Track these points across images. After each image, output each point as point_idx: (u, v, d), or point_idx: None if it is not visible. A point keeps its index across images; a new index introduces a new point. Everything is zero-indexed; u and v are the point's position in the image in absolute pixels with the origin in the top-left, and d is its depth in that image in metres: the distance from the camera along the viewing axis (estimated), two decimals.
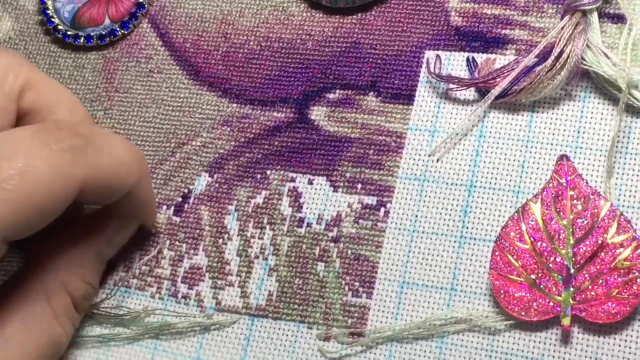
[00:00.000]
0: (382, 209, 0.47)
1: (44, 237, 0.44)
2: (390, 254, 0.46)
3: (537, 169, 0.46)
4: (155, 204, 0.49)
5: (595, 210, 0.44)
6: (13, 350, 0.41)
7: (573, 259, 0.43)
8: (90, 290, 0.45)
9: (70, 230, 0.46)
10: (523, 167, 0.46)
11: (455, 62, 0.49)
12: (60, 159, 0.40)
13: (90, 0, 0.54)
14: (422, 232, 0.46)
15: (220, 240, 0.48)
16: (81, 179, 0.40)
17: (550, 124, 0.47)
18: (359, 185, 0.48)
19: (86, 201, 0.44)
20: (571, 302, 0.43)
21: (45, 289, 0.43)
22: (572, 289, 0.43)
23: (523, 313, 0.43)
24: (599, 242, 0.43)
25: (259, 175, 0.49)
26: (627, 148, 0.45)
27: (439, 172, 0.47)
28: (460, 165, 0.47)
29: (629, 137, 0.45)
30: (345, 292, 0.46)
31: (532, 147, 0.46)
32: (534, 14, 0.49)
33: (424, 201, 0.47)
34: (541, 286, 0.43)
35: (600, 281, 0.43)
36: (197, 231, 0.49)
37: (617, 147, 0.45)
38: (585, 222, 0.43)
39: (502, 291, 0.43)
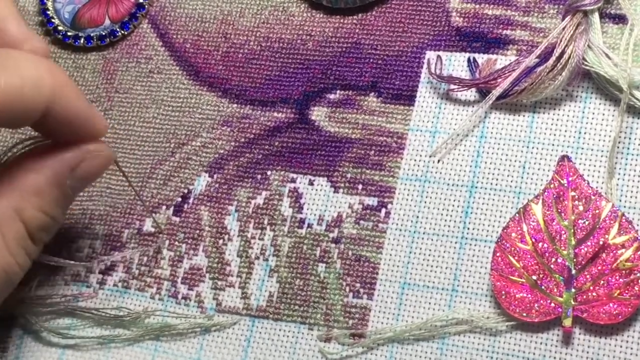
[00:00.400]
0: (383, 210, 0.47)
1: None
2: (391, 254, 0.46)
3: (539, 169, 0.46)
4: (94, 114, 0.44)
5: (597, 211, 0.44)
6: None
7: (574, 259, 0.43)
8: (47, 221, 0.43)
9: (27, 155, 0.43)
10: (524, 167, 0.46)
11: (456, 63, 0.49)
12: None
13: (90, 1, 0.54)
14: (423, 233, 0.46)
15: (221, 241, 0.48)
16: None
17: (552, 124, 0.47)
18: (360, 186, 0.48)
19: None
20: (572, 303, 0.43)
21: None
22: (573, 290, 0.43)
23: (524, 314, 0.43)
24: (601, 243, 0.43)
25: (259, 176, 0.49)
26: (628, 149, 0.45)
27: (440, 172, 0.47)
28: (461, 166, 0.47)
29: (630, 138, 0.45)
30: (346, 293, 0.46)
31: (533, 147, 0.46)
32: (535, 15, 0.49)
33: (425, 202, 0.47)
34: (542, 287, 0.43)
35: (602, 282, 0.43)
36: (197, 231, 0.49)
37: (618, 147, 0.45)
38: (587, 222, 0.43)
39: (503, 292, 0.43)
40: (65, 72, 0.43)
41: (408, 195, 0.47)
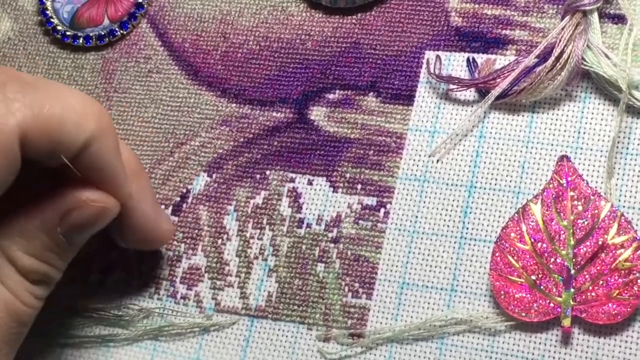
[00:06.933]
0: (382, 210, 0.47)
1: None
2: (390, 254, 0.46)
3: (538, 169, 0.46)
4: (125, 174, 0.43)
5: (596, 211, 0.44)
6: None
7: (573, 259, 0.43)
8: (39, 265, 0.41)
9: (21, 199, 0.41)
10: (523, 167, 0.46)
11: (455, 63, 0.49)
12: None
13: (89, 0, 0.54)
14: (422, 233, 0.46)
15: (220, 241, 0.48)
16: (18, 128, 0.37)
17: (551, 124, 0.47)
18: (359, 186, 0.48)
19: (31, 156, 0.39)
20: (571, 303, 0.43)
21: None
22: (572, 290, 0.43)
23: (523, 314, 0.43)
24: (600, 243, 0.43)
25: (258, 176, 0.49)
26: (627, 149, 0.45)
27: (439, 172, 0.47)
28: (460, 165, 0.47)
29: (629, 138, 0.45)
30: (345, 293, 0.46)
31: (532, 147, 0.46)
32: (534, 15, 0.49)
33: (424, 202, 0.47)
34: (541, 287, 0.43)
35: (601, 282, 0.43)
36: (196, 231, 0.49)
37: (617, 147, 0.45)
38: (586, 222, 0.43)
39: (502, 292, 0.43)
40: (112, 122, 0.42)
41: (407, 195, 0.47)
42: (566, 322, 0.43)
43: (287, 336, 0.46)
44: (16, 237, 0.40)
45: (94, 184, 0.42)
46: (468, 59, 0.48)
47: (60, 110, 0.39)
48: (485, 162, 0.47)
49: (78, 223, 0.42)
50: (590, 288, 0.43)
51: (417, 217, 0.46)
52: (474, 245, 0.45)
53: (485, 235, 0.45)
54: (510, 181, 0.46)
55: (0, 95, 0.38)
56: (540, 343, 0.43)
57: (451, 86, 0.48)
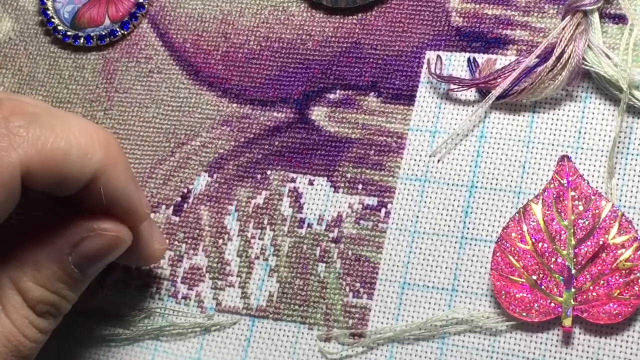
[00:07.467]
0: (383, 210, 0.47)
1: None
2: (391, 254, 0.46)
3: (538, 169, 0.46)
4: (139, 198, 0.43)
5: (597, 211, 0.44)
6: None
7: (574, 259, 0.43)
8: (49, 296, 0.41)
9: (34, 228, 0.41)
10: (524, 167, 0.46)
11: (456, 63, 0.49)
12: None
13: (90, 0, 0.54)
14: (423, 233, 0.46)
15: (220, 241, 0.48)
16: (20, 163, 0.37)
17: (552, 124, 0.47)
18: (360, 186, 0.48)
19: (37, 189, 0.39)
20: (572, 302, 0.43)
21: None
22: (573, 290, 0.43)
23: (524, 314, 0.43)
24: (601, 242, 0.43)
25: (259, 176, 0.49)
26: (628, 149, 0.45)
27: (440, 172, 0.47)
28: (461, 165, 0.47)
29: (630, 138, 0.45)
30: (346, 292, 0.46)
31: (533, 147, 0.46)
32: (534, 15, 0.49)
33: (425, 202, 0.47)
34: (542, 287, 0.43)
35: (602, 282, 0.43)
36: (197, 231, 0.49)
37: (618, 147, 0.45)
38: (587, 222, 0.43)
39: (503, 292, 0.43)
40: (122, 149, 0.42)
41: (408, 195, 0.47)
42: (567, 322, 0.43)
43: (288, 336, 0.46)
44: (27, 268, 0.40)
45: (110, 212, 0.41)
46: (469, 59, 0.48)
47: (64, 144, 0.39)
48: (486, 162, 0.47)
49: (89, 253, 0.42)
50: (591, 288, 0.43)
51: (418, 217, 0.46)
52: (475, 245, 0.45)
53: (486, 235, 0.45)
54: (511, 181, 0.46)
55: (3, 130, 0.38)
56: (541, 343, 0.43)
57: (452, 86, 0.48)
